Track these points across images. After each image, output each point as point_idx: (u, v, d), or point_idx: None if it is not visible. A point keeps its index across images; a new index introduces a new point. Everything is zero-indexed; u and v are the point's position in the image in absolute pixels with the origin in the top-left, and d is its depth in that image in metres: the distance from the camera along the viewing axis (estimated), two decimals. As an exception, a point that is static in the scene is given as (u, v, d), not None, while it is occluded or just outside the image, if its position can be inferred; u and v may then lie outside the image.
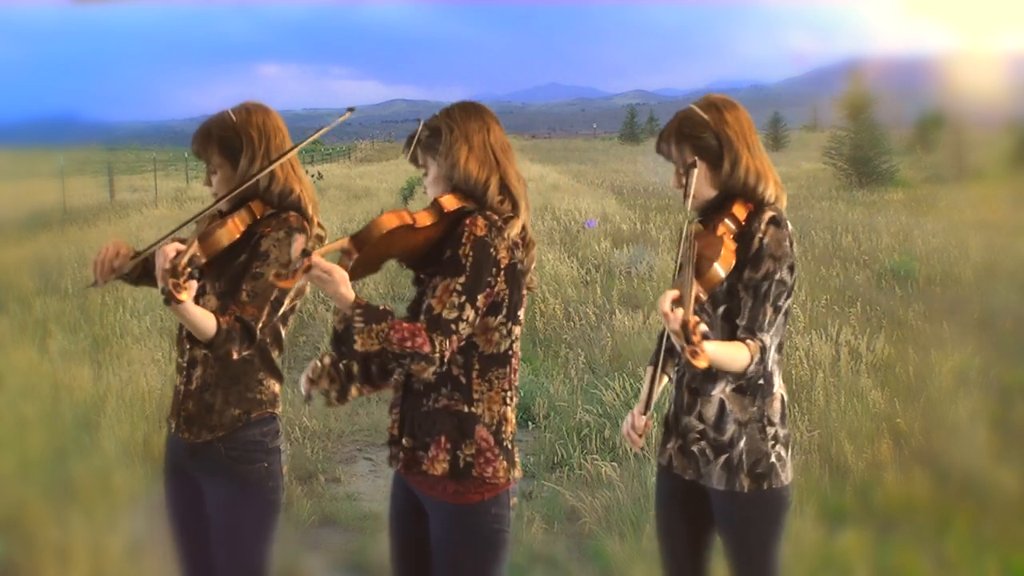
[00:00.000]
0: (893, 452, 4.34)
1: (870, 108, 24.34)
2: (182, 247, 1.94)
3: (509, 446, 2.04)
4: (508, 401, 2.04)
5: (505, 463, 2.02)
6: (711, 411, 2.11)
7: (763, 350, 2.02)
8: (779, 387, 2.13)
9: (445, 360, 1.93)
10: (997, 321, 6.93)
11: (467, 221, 1.97)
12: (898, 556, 3.44)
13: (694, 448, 2.14)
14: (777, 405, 2.12)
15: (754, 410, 2.09)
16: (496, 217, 1.99)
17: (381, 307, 1.92)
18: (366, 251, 1.93)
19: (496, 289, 1.97)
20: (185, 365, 2.20)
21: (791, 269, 2.06)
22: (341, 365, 2.13)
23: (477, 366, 2.00)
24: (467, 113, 2.07)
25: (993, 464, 4.20)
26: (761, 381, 2.10)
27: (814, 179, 23.43)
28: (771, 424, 2.10)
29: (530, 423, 5.09)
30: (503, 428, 2.02)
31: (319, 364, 2.12)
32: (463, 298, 1.92)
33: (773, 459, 2.09)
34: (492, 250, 1.95)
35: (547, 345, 6.78)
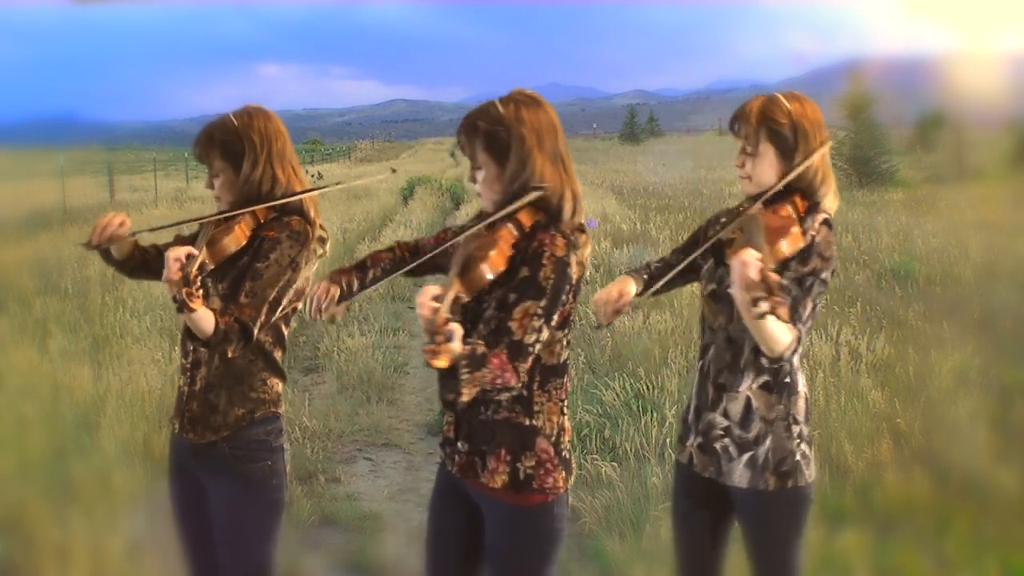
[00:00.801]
0: (893, 452, 4.33)
1: (870, 108, 24.30)
2: (194, 252, 1.94)
3: (567, 455, 1.99)
4: (565, 411, 1.99)
5: (564, 473, 1.97)
6: (737, 408, 2.11)
7: (799, 340, 1.99)
8: (803, 386, 2.14)
9: (524, 382, 1.88)
10: (997, 321, 6.91)
11: (546, 240, 1.87)
12: (898, 556, 3.44)
13: (716, 445, 2.13)
14: (802, 404, 2.12)
15: (780, 408, 2.09)
16: (571, 233, 1.91)
17: (479, 350, 1.78)
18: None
19: (567, 307, 1.92)
20: (189, 366, 2.21)
21: (831, 274, 2.06)
22: (344, 285, 2.15)
23: (538, 378, 1.94)
24: (536, 116, 1.92)
25: (993, 464, 4.19)
26: (787, 379, 2.10)
27: (814, 179, 23.33)
28: (796, 422, 2.11)
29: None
30: (561, 438, 1.98)
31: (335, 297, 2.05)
32: (542, 321, 1.85)
33: (798, 457, 2.10)
34: (569, 270, 1.88)
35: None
